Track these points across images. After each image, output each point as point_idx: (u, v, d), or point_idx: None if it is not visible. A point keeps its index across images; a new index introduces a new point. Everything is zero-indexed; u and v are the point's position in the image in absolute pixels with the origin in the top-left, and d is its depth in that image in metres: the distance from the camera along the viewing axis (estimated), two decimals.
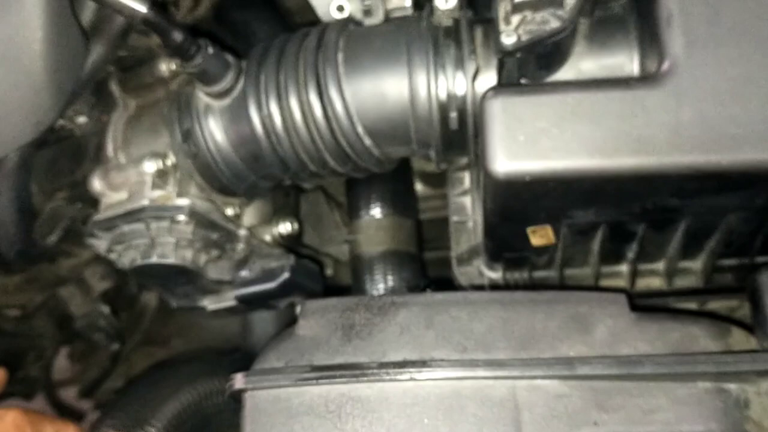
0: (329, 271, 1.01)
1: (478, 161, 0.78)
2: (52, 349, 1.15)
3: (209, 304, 0.88)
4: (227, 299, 0.87)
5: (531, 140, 0.58)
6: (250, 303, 0.85)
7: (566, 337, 0.56)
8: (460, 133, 0.72)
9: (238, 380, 0.56)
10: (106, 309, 1.11)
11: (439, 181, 1.02)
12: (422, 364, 0.54)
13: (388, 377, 0.54)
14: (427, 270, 0.97)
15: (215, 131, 0.76)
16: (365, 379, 0.54)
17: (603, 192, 0.60)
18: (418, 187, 1.02)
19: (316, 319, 0.59)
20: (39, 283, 1.06)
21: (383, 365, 0.55)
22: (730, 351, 0.56)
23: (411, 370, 0.54)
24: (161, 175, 0.78)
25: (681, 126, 0.58)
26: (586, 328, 0.57)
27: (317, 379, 0.54)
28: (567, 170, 0.58)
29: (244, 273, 0.85)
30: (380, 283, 0.86)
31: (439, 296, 0.59)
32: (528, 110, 0.59)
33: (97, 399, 1.19)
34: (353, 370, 0.54)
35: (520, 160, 0.58)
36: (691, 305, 0.79)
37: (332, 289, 0.95)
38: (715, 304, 0.80)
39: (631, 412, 0.53)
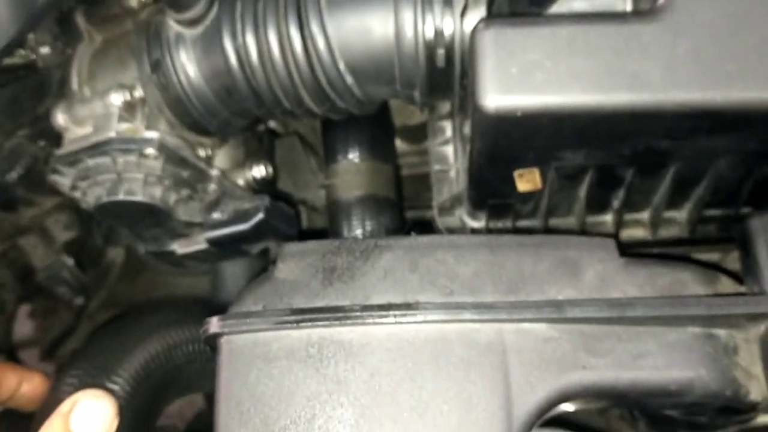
0: (303, 221, 0.98)
1: (463, 105, 0.76)
2: (12, 302, 1.11)
3: (179, 247, 0.84)
4: (198, 242, 0.83)
5: (524, 73, 0.55)
6: (222, 246, 0.82)
7: (555, 280, 0.55)
8: (445, 73, 0.69)
9: (213, 324, 0.53)
10: (69, 261, 1.06)
11: (417, 135, 1.00)
12: (407, 307, 0.52)
13: (371, 320, 0.52)
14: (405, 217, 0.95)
15: (186, 62, 0.72)
16: (348, 322, 0.52)
17: (595, 130, 0.58)
18: (396, 142, 0.99)
19: (295, 262, 0.56)
20: None
21: (366, 308, 0.52)
22: (721, 294, 0.55)
23: (395, 313, 0.52)
24: (128, 108, 0.74)
25: (676, 62, 0.56)
26: (575, 272, 0.55)
27: (297, 322, 0.52)
28: (560, 105, 0.55)
29: (216, 215, 0.81)
30: (358, 229, 0.84)
31: (424, 239, 0.57)
32: (521, 42, 0.56)
33: (60, 361, 1.14)
34: (335, 313, 0.52)
35: (512, 94, 0.55)
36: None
37: (308, 234, 0.92)
38: (699, 256, 0.79)
39: (620, 356, 0.52)
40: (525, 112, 0.56)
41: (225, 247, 0.83)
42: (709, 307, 0.52)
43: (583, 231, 0.74)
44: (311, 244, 0.57)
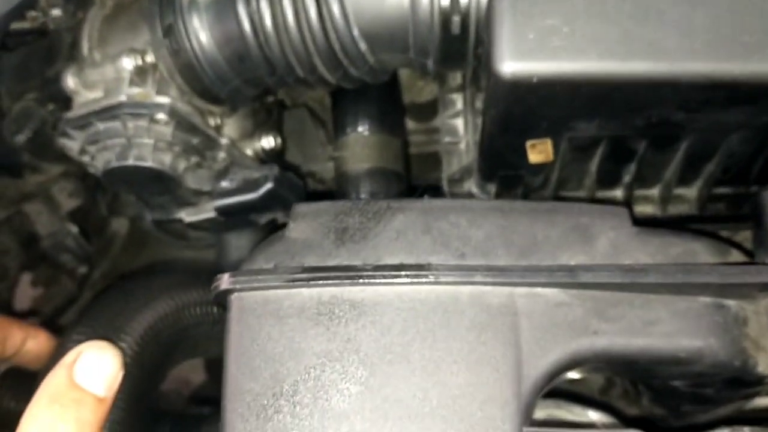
0: None
1: (476, 76, 0.75)
2: (15, 269, 1.11)
3: (186, 216, 0.84)
4: (206, 211, 0.83)
5: (540, 39, 0.55)
6: (229, 215, 0.82)
7: (567, 246, 0.54)
8: (460, 42, 0.69)
9: (224, 281, 0.53)
10: (74, 228, 1.06)
11: (425, 113, 0.99)
12: (419, 268, 0.52)
13: (383, 280, 0.52)
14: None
15: (199, 27, 0.72)
16: (359, 281, 0.52)
17: (610, 99, 0.58)
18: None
19: (307, 222, 0.56)
20: (3, 199, 1.01)
21: (378, 268, 0.52)
22: (734, 263, 0.55)
23: (407, 273, 0.52)
24: (140, 73, 0.74)
25: (694, 31, 0.56)
26: (588, 238, 0.55)
27: (309, 280, 0.52)
28: (576, 72, 0.55)
29: (225, 183, 0.81)
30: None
31: (437, 202, 0.56)
32: (538, 7, 0.56)
33: (61, 330, 1.14)
34: (347, 272, 0.52)
35: (529, 60, 0.55)
36: None
37: (317, 197, 0.92)
38: None
39: (631, 322, 0.52)
40: (541, 78, 0.56)
41: (233, 217, 0.83)
42: (721, 276, 0.52)
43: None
44: (323, 205, 0.57)
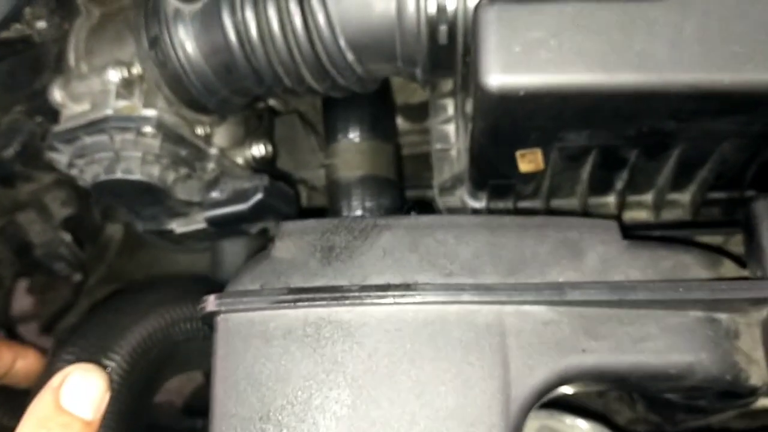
0: (303, 200, 0.98)
1: (465, 83, 0.75)
2: (10, 278, 1.10)
3: (177, 227, 0.83)
4: (197, 222, 0.83)
5: (527, 52, 0.54)
6: (220, 226, 0.81)
7: (556, 263, 0.54)
8: (448, 50, 0.68)
9: (211, 302, 0.52)
10: (67, 237, 1.05)
11: (418, 114, 0.98)
12: (406, 287, 0.52)
13: (369, 300, 0.51)
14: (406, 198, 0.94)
15: (185, 38, 0.71)
16: (346, 302, 0.51)
17: (599, 111, 0.57)
18: (397, 121, 0.98)
19: (293, 240, 0.55)
20: None
21: (365, 288, 0.52)
22: (724, 278, 0.54)
23: (394, 293, 0.51)
24: (126, 85, 0.73)
25: (683, 42, 0.55)
26: (577, 254, 0.54)
27: (295, 301, 0.51)
28: (564, 85, 0.54)
29: (215, 194, 0.81)
30: (358, 210, 0.83)
31: (424, 219, 0.56)
32: (524, 20, 0.55)
33: (58, 336, 1.14)
34: (333, 293, 0.51)
35: (515, 73, 0.54)
36: None
37: (307, 212, 0.91)
38: (702, 240, 0.78)
39: (620, 339, 0.52)
40: (528, 91, 0.55)
41: (223, 227, 0.83)
42: (711, 292, 0.51)
43: (586, 213, 0.73)
44: (310, 223, 0.56)
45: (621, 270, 0.54)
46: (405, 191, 0.99)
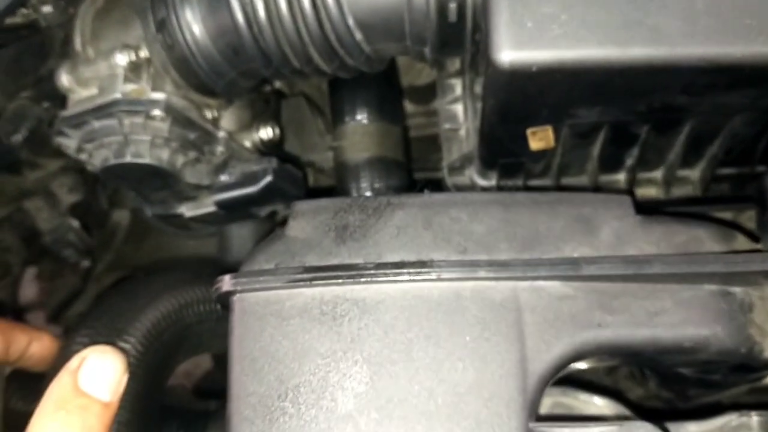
0: (310, 183, 0.97)
1: (474, 62, 0.74)
2: (18, 265, 1.10)
3: (187, 211, 0.83)
4: (206, 205, 0.82)
5: (539, 27, 0.54)
6: (230, 209, 0.81)
7: (570, 238, 0.54)
8: (457, 29, 0.68)
9: (226, 282, 0.53)
10: (75, 223, 1.05)
11: (425, 96, 0.98)
12: (421, 264, 0.52)
13: (385, 278, 0.51)
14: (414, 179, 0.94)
15: (192, 20, 0.70)
16: (361, 280, 0.51)
17: (611, 86, 0.57)
18: (404, 103, 0.97)
19: (307, 219, 0.55)
20: (3, 196, 1.00)
21: (380, 266, 0.52)
22: (738, 251, 0.54)
23: (409, 270, 0.51)
24: (134, 69, 0.73)
25: (695, 15, 0.55)
26: (591, 229, 0.54)
27: (310, 280, 0.51)
28: (576, 60, 0.54)
29: (224, 177, 0.80)
30: (366, 192, 0.83)
31: (438, 197, 0.56)
32: None
33: (66, 323, 1.15)
34: (348, 271, 0.51)
35: (527, 49, 0.54)
36: None
37: (315, 193, 0.91)
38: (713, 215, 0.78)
39: (635, 314, 0.52)
40: (540, 67, 0.55)
41: (233, 210, 0.82)
42: (726, 265, 0.51)
43: (596, 190, 0.73)
44: (323, 202, 0.56)
45: (635, 244, 0.54)
46: (413, 174, 0.99)
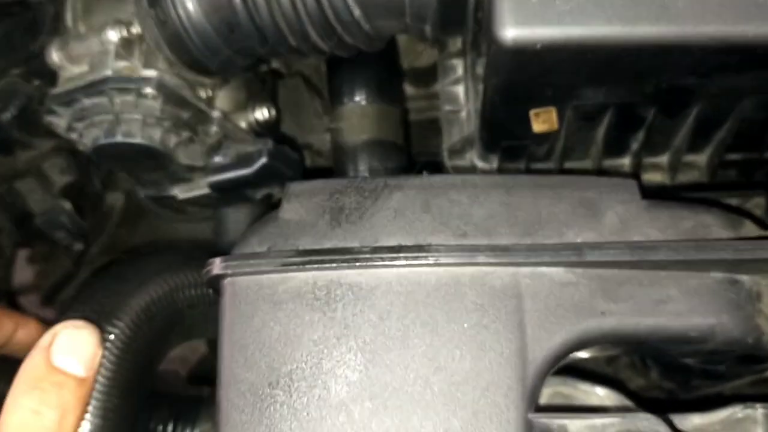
0: (307, 164, 0.96)
1: (476, 41, 0.72)
2: (10, 248, 1.09)
3: (180, 192, 0.82)
4: (200, 187, 0.81)
5: (543, 3, 0.52)
6: (224, 191, 0.79)
7: (573, 223, 0.52)
8: (458, 5, 0.66)
9: (217, 265, 0.51)
10: (68, 205, 1.03)
11: (425, 78, 0.96)
12: (418, 249, 0.50)
13: (381, 262, 0.49)
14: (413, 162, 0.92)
15: None
16: (356, 264, 0.49)
17: (618, 65, 0.55)
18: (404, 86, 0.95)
19: (301, 201, 0.53)
20: None
21: (376, 250, 0.50)
22: (746, 238, 0.53)
23: (406, 255, 0.49)
24: (126, 45, 0.71)
25: None
26: (595, 214, 0.53)
27: (304, 263, 0.49)
28: (582, 38, 0.52)
29: (218, 158, 0.78)
30: (364, 174, 0.81)
31: (437, 179, 0.54)
32: None
33: (60, 306, 1.13)
34: (343, 255, 0.50)
35: (532, 26, 0.52)
36: None
37: (313, 173, 0.89)
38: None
39: (640, 302, 0.50)
40: (545, 44, 0.53)
41: (227, 192, 0.81)
42: (735, 251, 0.50)
43: (601, 174, 0.71)
44: (318, 183, 0.54)
45: (641, 230, 0.52)
46: (412, 157, 0.97)
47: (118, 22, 0.72)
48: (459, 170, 0.76)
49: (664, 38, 0.53)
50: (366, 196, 0.53)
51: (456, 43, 0.80)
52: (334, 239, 0.51)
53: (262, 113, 0.84)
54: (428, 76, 0.95)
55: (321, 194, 0.53)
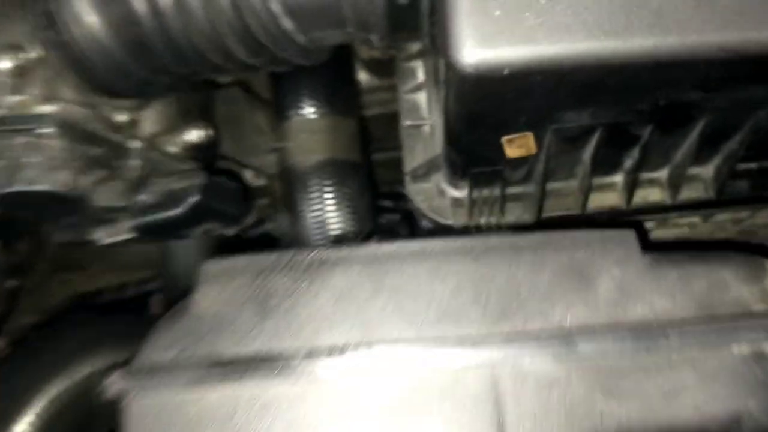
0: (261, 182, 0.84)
1: (435, 44, 0.60)
2: None
3: (103, 236, 0.70)
4: (124, 230, 0.69)
5: (510, 16, 0.41)
6: (152, 234, 0.68)
7: (560, 296, 0.42)
8: (410, 10, 0.54)
9: (117, 381, 0.40)
10: None
11: (386, 69, 0.84)
12: (366, 347, 0.40)
13: (319, 370, 0.39)
14: (374, 176, 0.81)
15: (82, 12, 0.56)
16: (288, 373, 0.39)
17: (605, 85, 0.45)
18: (362, 76, 0.83)
19: (219, 286, 0.43)
20: None
21: (312, 353, 0.39)
22: None
23: (351, 357, 0.39)
24: (20, 74, 0.59)
25: None
26: (587, 281, 0.42)
27: (221, 377, 0.39)
28: (559, 56, 0.42)
29: (143, 197, 0.67)
30: (317, 203, 0.70)
31: (388, 248, 0.43)
32: None
33: (10, 335, 1.03)
34: (271, 362, 0.39)
35: (497, 45, 0.41)
36: (694, 219, 0.65)
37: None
38: (723, 216, 0.66)
39: (647, 396, 0.40)
40: (514, 68, 0.42)
41: (156, 234, 0.69)
42: (764, 327, 0.39)
43: (588, 195, 0.60)
44: (240, 261, 0.44)
45: (644, 299, 0.42)
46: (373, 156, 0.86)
47: (10, 47, 0.60)
48: (424, 195, 0.65)
49: (661, 51, 0.43)
50: (300, 276, 0.42)
51: (415, 44, 0.68)
52: (260, 339, 0.41)
53: (197, 134, 0.72)
54: (389, 66, 0.83)
55: (244, 275, 0.43)
